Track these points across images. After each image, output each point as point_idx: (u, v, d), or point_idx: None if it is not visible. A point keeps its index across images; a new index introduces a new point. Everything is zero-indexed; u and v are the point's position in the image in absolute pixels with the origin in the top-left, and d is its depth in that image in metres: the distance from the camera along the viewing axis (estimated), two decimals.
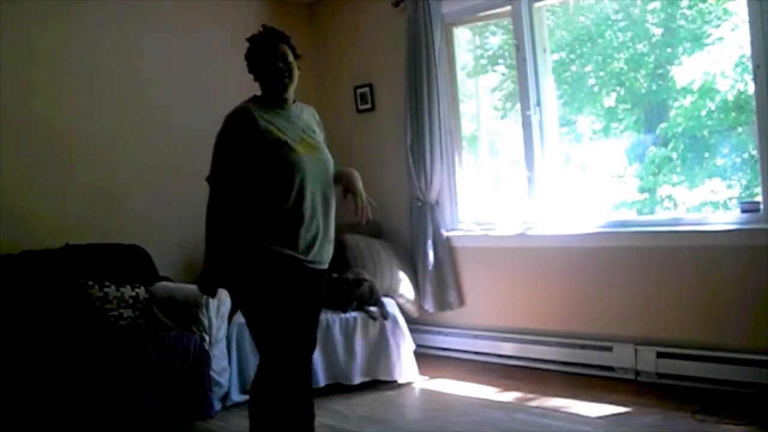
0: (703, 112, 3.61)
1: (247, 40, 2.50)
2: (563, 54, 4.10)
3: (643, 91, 3.93)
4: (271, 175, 2.32)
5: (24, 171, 3.55)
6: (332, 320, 3.66)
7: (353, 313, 3.71)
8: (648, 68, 3.88)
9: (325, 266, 2.50)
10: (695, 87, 3.59)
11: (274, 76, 2.42)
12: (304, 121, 2.50)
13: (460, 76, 4.38)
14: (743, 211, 3.18)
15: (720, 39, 3.50)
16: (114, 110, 3.91)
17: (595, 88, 4.07)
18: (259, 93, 2.48)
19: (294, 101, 2.51)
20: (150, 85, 4.06)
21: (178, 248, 4.14)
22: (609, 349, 3.50)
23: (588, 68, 4.07)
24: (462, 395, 3.53)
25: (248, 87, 2.53)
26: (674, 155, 3.73)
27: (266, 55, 2.43)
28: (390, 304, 3.90)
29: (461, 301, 4.18)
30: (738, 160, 3.52)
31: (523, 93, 3.87)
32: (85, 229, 3.70)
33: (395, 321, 3.75)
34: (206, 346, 3.33)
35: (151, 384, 3.08)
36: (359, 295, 3.73)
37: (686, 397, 3.13)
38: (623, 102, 3.99)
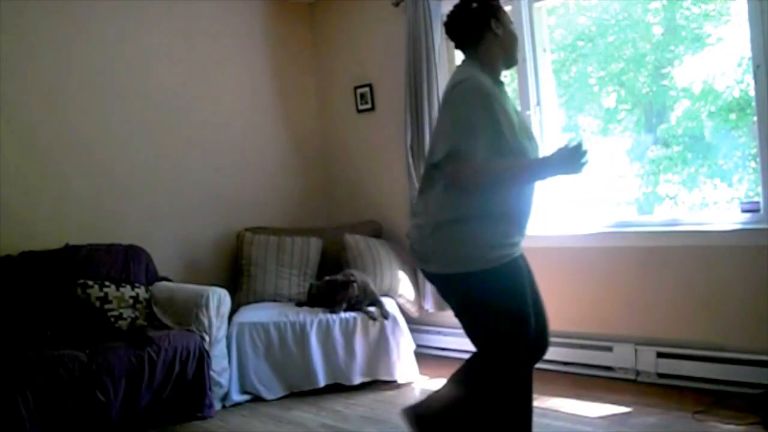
0: (704, 113, 3.61)
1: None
2: (563, 54, 4.10)
3: (644, 91, 3.93)
4: None
5: (24, 171, 3.56)
6: (332, 320, 3.66)
7: (352, 314, 3.70)
8: (648, 68, 3.88)
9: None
10: (696, 87, 3.59)
11: (516, 48, 2.09)
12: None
13: None
14: (743, 211, 3.18)
15: (720, 39, 3.49)
16: (114, 110, 3.92)
17: (596, 89, 4.07)
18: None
19: None
20: (149, 85, 4.06)
21: (178, 248, 4.15)
22: (609, 349, 3.50)
23: (589, 68, 4.07)
24: None
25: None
26: (675, 155, 3.73)
27: (509, 24, 2.05)
28: (390, 303, 3.90)
29: None
30: (738, 160, 3.52)
31: (523, 93, 3.87)
32: (85, 229, 3.70)
33: (395, 321, 3.74)
34: (206, 346, 3.33)
35: (151, 384, 3.08)
36: (348, 297, 3.73)
37: (686, 397, 3.13)
38: (623, 102, 3.98)
